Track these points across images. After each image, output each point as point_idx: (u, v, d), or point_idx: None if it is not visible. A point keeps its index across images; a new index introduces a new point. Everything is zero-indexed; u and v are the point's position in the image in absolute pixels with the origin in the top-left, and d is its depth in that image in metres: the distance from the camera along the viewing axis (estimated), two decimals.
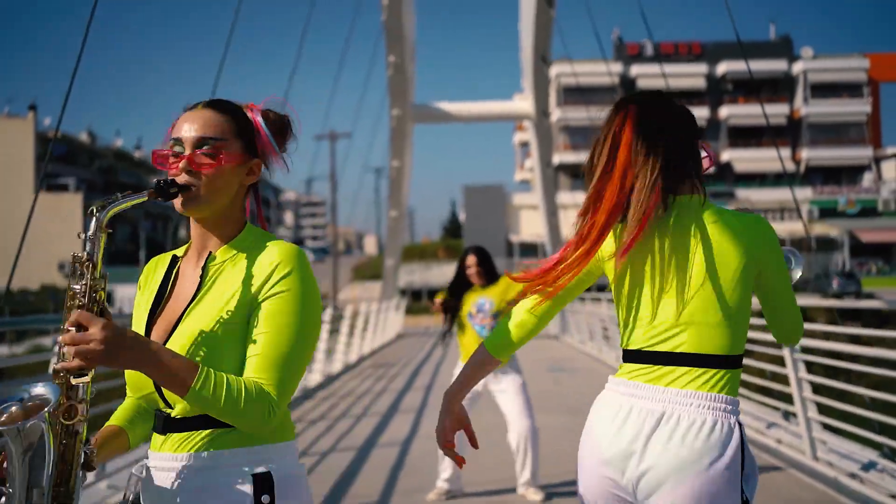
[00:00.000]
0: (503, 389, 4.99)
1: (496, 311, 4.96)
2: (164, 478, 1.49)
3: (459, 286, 5.14)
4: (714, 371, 1.67)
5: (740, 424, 1.67)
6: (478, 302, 5.00)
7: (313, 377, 11.76)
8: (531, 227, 48.11)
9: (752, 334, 6.41)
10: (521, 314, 1.85)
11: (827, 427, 5.78)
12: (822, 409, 5.77)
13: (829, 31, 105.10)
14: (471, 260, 5.08)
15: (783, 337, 1.86)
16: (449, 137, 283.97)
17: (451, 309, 5.14)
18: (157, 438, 1.52)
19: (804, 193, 51.57)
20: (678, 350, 1.68)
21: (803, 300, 7.44)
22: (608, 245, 1.79)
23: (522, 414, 4.93)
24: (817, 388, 5.78)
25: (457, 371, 5.02)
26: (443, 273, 50.42)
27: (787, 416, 6.53)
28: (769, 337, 6.18)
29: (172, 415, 1.48)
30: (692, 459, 1.62)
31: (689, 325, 1.67)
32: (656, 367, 1.70)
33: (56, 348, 1.42)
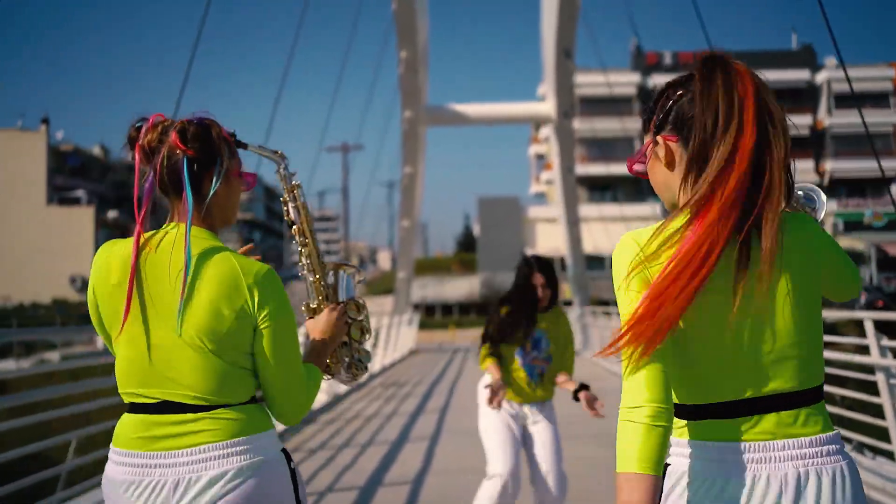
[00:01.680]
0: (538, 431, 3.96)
1: (549, 352, 3.88)
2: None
3: (526, 311, 3.86)
4: (819, 406, 1.44)
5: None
6: (533, 336, 3.85)
7: (319, 397, 10.75)
8: (548, 240, 47.01)
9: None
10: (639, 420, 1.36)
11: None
12: None
13: (853, 40, 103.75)
14: (539, 279, 3.85)
15: (845, 294, 1.59)
16: (462, 150, 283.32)
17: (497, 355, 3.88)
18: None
19: (829, 206, 50.28)
20: (782, 391, 1.40)
21: (832, 314, 6.63)
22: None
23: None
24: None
25: (481, 393, 3.95)
26: (456, 287, 49.32)
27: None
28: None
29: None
30: None
31: (790, 358, 1.41)
32: (758, 416, 1.39)
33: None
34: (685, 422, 1.46)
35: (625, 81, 48.37)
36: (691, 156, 1.44)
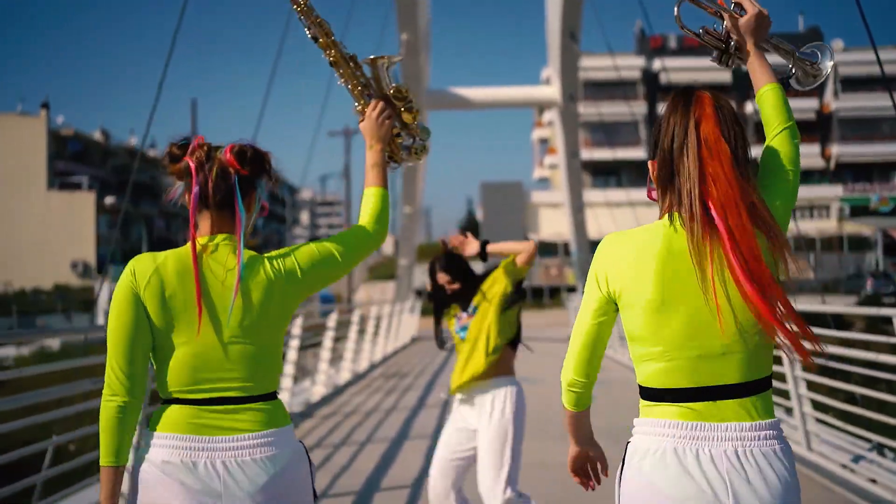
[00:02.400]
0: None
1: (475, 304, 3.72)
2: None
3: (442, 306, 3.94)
4: (765, 394, 1.67)
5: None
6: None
7: (317, 390, 10.49)
8: (551, 226, 46.70)
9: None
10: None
11: (821, 422, 6.10)
12: (818, 406, 6.10)
13: (860, 22, 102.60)
14: (442, 278, 3.87)
15: None
16: (466, 135, 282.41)
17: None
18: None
19: (835, 191, 49.86)
20: (731, 382, 1.64)
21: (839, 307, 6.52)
22: None
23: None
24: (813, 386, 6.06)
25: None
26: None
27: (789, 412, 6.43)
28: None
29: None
30: (779, 494, 1.60)
31: (738, 351, 1.64)
32: (710, 402, 1.64)
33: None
34: (648, 402, 1.70)
35: (629, 65, 47.96)
36: (657, 174, 1.73)
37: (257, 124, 9.16)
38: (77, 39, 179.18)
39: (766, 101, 1.87)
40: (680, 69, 49.77)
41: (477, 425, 3.57)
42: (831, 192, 49.66)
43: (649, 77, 52.15)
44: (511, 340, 3.69)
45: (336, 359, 12.43)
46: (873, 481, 5.12)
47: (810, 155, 52.15)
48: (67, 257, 55.00)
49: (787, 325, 1.60)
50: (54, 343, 34.27)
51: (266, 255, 1.95)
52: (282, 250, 1.98)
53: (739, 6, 1.88)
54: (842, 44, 52.82)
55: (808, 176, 52.24)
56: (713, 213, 1.61)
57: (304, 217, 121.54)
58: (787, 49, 1.94)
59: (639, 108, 51.30)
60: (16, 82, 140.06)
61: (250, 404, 1.88)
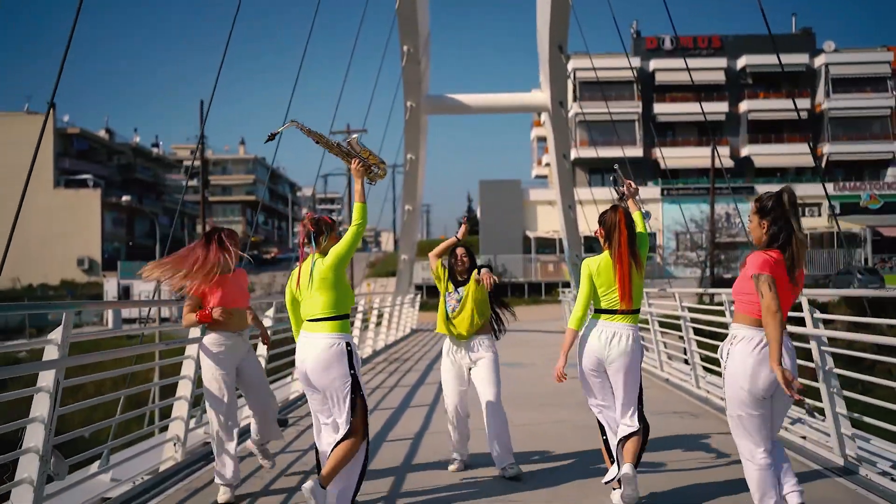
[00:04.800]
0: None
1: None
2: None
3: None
4: (636, 315, 4.78)
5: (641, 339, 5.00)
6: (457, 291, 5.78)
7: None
8: (548, 223, 47.73)
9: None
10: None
11: (857, 424, 5.57)
12: (851, 405, 5.58)
13: (851, 24, 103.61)
14: (460, 251, 5.81)
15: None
16: (466, 133, 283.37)
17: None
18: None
19: (826, 189, 50.71)
20: (623, 309, 4.72)
21: (827, 294, 7.29)
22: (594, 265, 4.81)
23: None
24: (846, 383, 5.63)
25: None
26: None
27: (813, 412, 6.29)
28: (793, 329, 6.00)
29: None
30: (626, 350, 4.67)
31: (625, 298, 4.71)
32: (612, 314, 4.74)
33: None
34: (596, 314, 4.77)
35: (625, 66, 48.93)
36: (604, 235, 4.82)
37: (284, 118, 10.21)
38: (82, 39, 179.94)
39: (637, 218, 4.95)
40: (674, 69, 50.87)
41: (471, 364, 5.64)
42: (821, 189, 50.67)
43: (645, 76, 53.22)
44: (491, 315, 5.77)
45: None
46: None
47: (802, 153, 53.21)
48: (74, 253, 55.93)
49: (630, 294, 4.68)
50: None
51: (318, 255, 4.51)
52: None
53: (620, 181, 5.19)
54: (833, 45, 53.87)
55: (800, 174, 53.29)
56: (620, 252, 4.70)
57: (305, 214, 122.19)
58: (617, 191, 5.21)
59: (634, 108, 52.40)
60: (23, 82, 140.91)
61: (329, 321, 4.37)
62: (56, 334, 3.88)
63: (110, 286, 45.95)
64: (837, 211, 49.94)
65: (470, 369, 5.64)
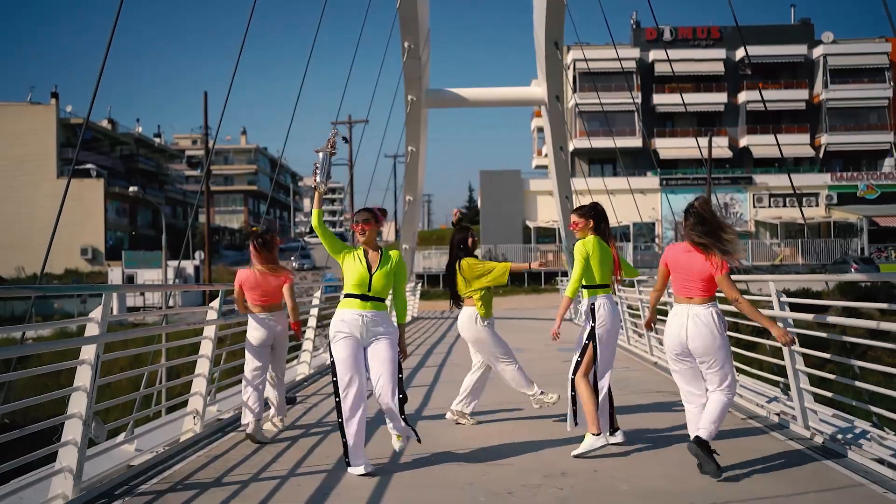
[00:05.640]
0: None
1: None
2: (368, 316, 5.18)
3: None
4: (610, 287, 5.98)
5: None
6: None
7: (326, 356, 12.06)
8: (548, 213, 48.15)
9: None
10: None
11: (820, 399, 6.09)
12: (815, 382, 6.08)
13: (850, 14, 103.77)
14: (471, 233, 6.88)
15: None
16: (468, 124, 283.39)
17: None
18: (360, 303, 5.23)
19: (823, 179, 51.22)
20: (608, 282, 5.89)
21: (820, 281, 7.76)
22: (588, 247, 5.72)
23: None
24: (810, 362, 6.09)
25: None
26: None
27: (787, 390, 6.76)
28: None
29: (370, 295, 5.23)
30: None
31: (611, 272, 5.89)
32: (606, 287, 5.87)
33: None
34: (588, 289, 5.71)
35: (625, 56, 49.29)
36: (592, 225, 5.87)
37: (292, 113, 10.64)
38: (84, 29, 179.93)
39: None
40: (674, 60, 51.14)
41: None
42: (819, 179, 51.13)
43: (644, 67, 53.54)
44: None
45: None
46: (881, 461, 4.98)
47: (800, 144, 53.59)
48: (78, 243, 56.29)
49: (619, 273, 5.91)
50: (71, 324, 35.89)
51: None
52: None
53: None
54: (832, 35, 54.14)
55: (798, 164, 53.68)
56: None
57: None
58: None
59: (633, 97, 52.75)
60: (26, 72, 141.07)
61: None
62: (97, 313, 4.38)
63: (115, 275, 46.45)
64: (834, 201, 50.42)
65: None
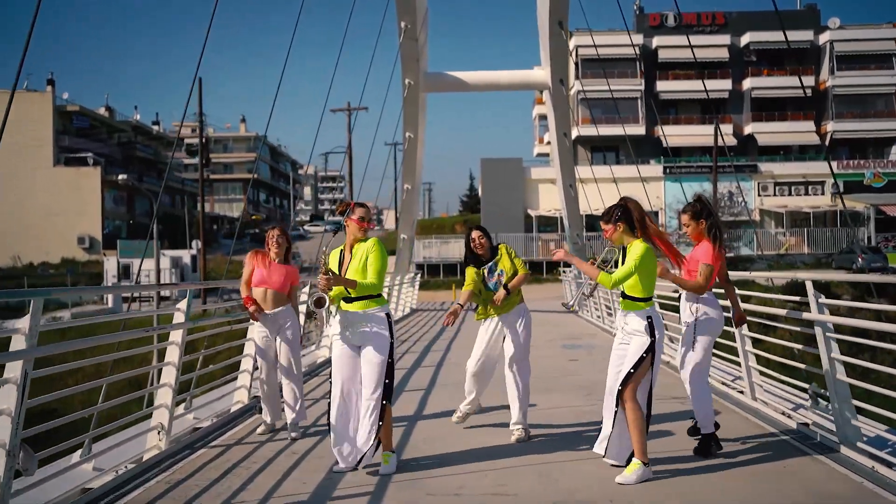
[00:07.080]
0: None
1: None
2: (352, 315, 5.14)
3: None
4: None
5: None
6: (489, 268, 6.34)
7: (321, 353, 11.48)
8: (550, 201, 47.50)
9: (779, 311, 6.56)
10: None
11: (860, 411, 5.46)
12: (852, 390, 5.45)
13: (857, 0, 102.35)
14: (476, 233, 6.34)
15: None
16: (468, 111, 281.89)
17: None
18: (344, 304, 5.19)
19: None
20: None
21: (827, 275, 7.22)
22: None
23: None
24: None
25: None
26: (459, 248, 49.74)
27: (816, 399, 6.13)
28: (797, 314, 5.96)
29: (351, 297, 5.15)
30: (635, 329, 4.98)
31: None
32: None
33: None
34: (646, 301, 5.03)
35: (628, 42, 48.40)
36: (623, 229, 5.14)
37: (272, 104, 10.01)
38: (80, 16, 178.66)
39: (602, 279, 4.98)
40: (678, 46, 50.34)
41: (507, 332, 6.23)
42: (825, 167, 50.36)
43: (648, 54, 52.69)
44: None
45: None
46: (806, 425, 5.83)
47: (806, 131, 52.78)
48: (74, 232, 55.73)
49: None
50: (65, 314, 35.34)
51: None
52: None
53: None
54: (838, 21, 53.26)
55: (804, 151, 52.89)
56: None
57: (307, 192, 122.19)
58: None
59: (637, 84, 51.96)
60: (19, 58, 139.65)
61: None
62: (23, 323, 3.72)
63: (110, 265, 45.80)
64: (841, 189, 49.62)
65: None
